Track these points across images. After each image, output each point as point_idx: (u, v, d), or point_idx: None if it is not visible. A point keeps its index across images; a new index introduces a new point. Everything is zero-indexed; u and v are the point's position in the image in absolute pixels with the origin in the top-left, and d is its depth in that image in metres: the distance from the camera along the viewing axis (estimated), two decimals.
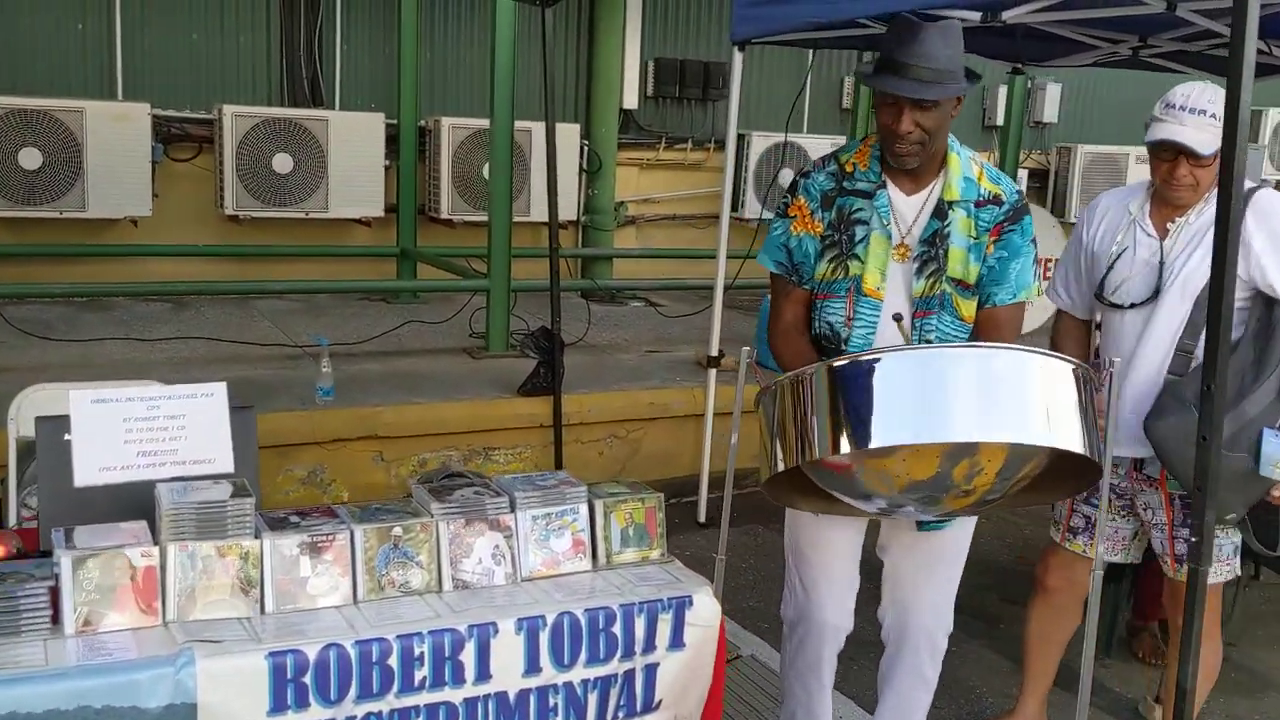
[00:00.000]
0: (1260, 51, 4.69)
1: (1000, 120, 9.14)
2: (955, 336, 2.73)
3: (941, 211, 2.68)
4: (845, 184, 2.73)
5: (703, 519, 5.32)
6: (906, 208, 2.72)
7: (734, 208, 8.20)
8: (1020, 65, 5.99)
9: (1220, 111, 2.76)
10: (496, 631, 2.24)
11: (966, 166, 2.72)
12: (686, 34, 8.41)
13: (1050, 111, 9.46)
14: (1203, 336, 2.68)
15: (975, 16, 4.04)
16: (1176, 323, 2.85)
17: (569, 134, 7.59)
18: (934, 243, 2.67)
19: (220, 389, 2.47)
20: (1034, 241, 2.76)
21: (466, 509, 2.41)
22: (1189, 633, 2.39)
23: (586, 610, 2.32)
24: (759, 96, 8.30)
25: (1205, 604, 2.36)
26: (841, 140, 8.41)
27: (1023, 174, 8.80)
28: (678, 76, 8.23)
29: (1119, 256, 2.98)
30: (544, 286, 6.65)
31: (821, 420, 2.22)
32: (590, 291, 7.67)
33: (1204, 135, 2.76)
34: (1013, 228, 2.70)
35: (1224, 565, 2.93)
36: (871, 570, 3.01)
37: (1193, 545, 2.34)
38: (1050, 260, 6.36)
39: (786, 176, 8.10)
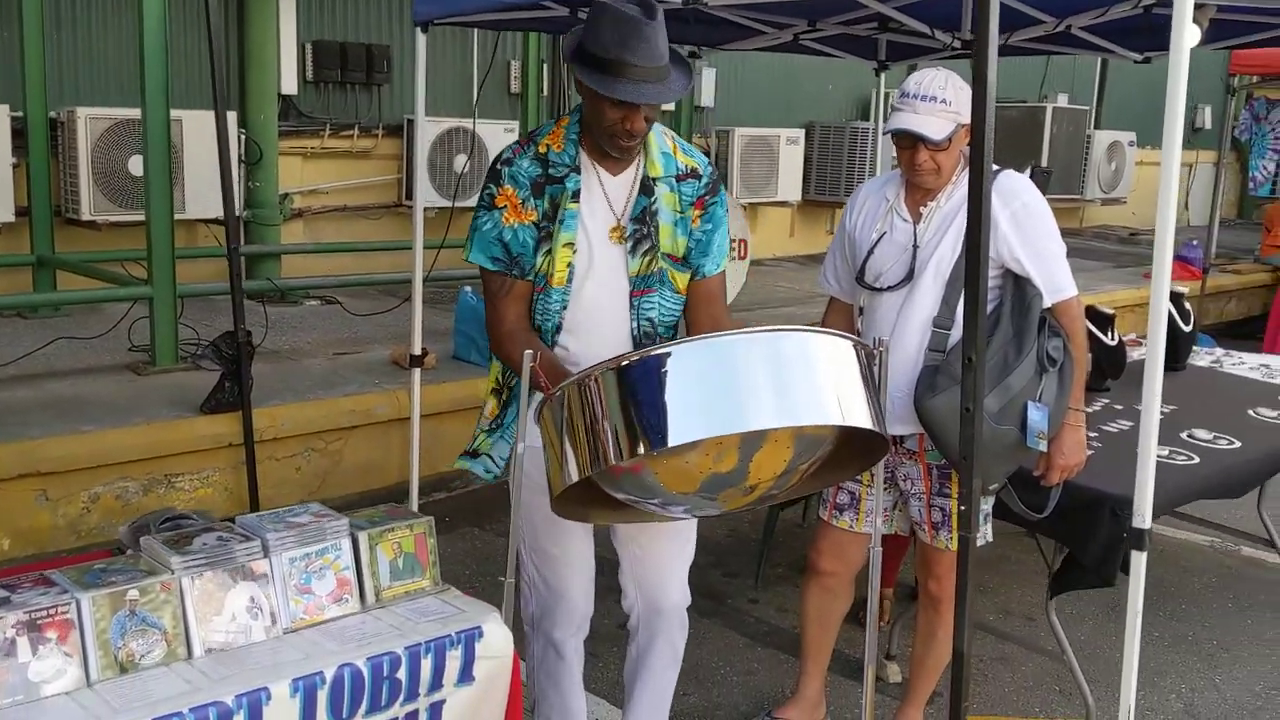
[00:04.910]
0: (923, 35, 5.06)
1: (667, 105, 9.35)
2: (674, 311, 2.73)
3: (648, 188, 2.66)
4: (551, 171, 2.63)
5: None
6: (616, 188, 2.66)
7: (409, 196, 7.89)
8: (696, 50, 6.08)
9: (951, 97, 2.85)
10: (269, 698, 1.95)
11: (661, 141, 2.71)
12: (345, 15, 7.98)
13: (707, 96, 9.76)
14: (958, 315, 2.77)
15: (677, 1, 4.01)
16: (930, 303, 2.92)
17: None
18: (644, 220, 2.65)
19: None
20: (727, 209, 2.82)
21: (213, 559, 2.08)
22: (961, 598, 2.45)
23: (369, 659, 2.06)
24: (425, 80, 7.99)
25: (967, 570, 2.43)
26: (514, 125, 8.29)
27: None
28: (339, 60, 7.79)
29: (878, 242, 3.03)
30: (213, 290, 6.10)
31: (618, 423, 2.08)
32: (260, 293, 7.11)
33: (937, 121, 2.83)
34: (714, 200, 2.75)
35: (976, 533, 3.05)
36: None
37: (962, 514, 2.40)
38: (735, 241, 6.56)
39: (461, 163, 7.87)
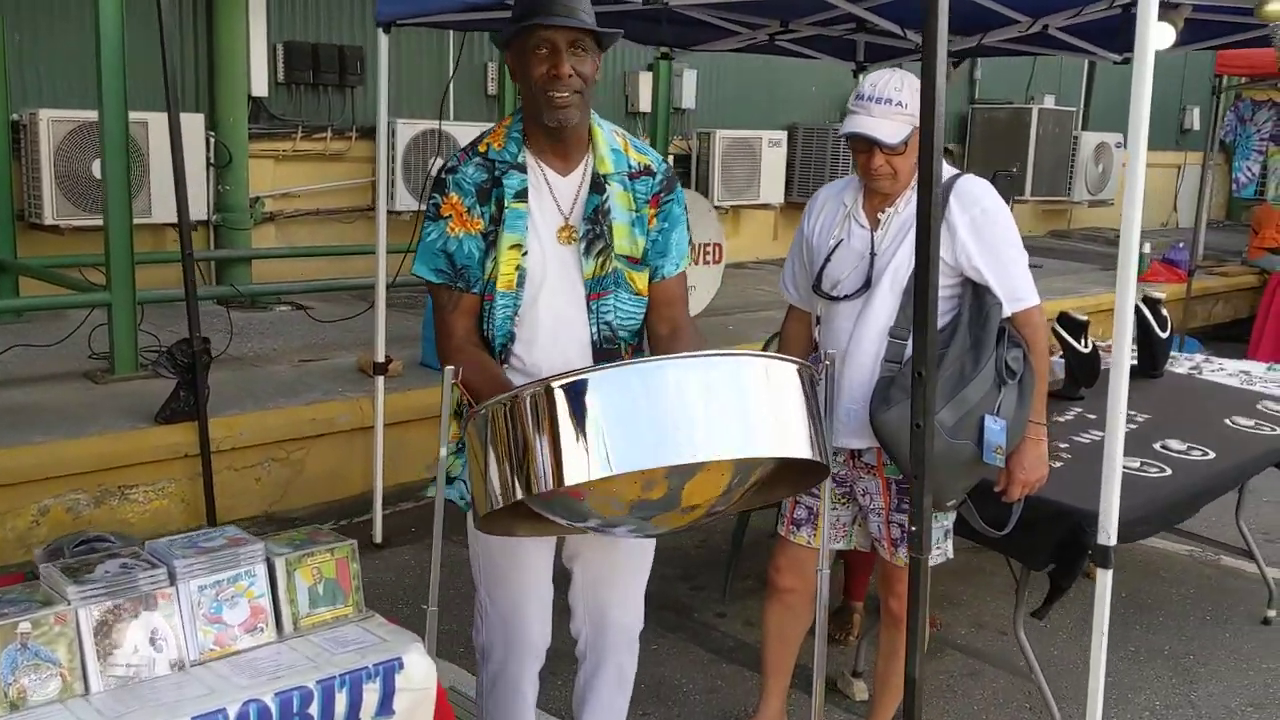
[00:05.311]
0: (895, 35, 4.96)
1: (644, 106, 9.24)
2: (635, 314, 2.60)
3: (599, 185, 2.53)
4: (496, 173, 2.50)
5: (379, 539, 4.94)
6: (565, 187, 2.53)
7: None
8: (669, 50, 5.99)
9: (907, 99, 2.74)
10: None
11: (610, 138, 2.59)
12: (317, 15, 7.86)
13: (688, 97, 9.65)
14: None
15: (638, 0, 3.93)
16: (887, 313, 2.81)
17: (192, 125, 6.88)
18: (596, 219, 2.52)
19: None
20: (685, 208, 2.70)
21: (113, 589, 1.97)
22: (913, 623, 2.34)
23: (278, 694, 1.95)
24: (400, 81, 7.90)
25: (927, 590, 2.33)
26: (491, 127, 8.17)
27: (668, 160, 8.93)
28: (311, 61, 7.67)
29: (835, 249, 2.92)
30: (175, 296, 5.99)
31: (544, 448, 1.96)
32: (229, 298, 6.99)
33: (891, 124, 2.73)
34: (670, 198, 2.62)
35: (933, 550, 2.95)
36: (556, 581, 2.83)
37: (913, 534, 2.29)
38: (709, 245, 6.46)
39: (434, 165, 7.77)
